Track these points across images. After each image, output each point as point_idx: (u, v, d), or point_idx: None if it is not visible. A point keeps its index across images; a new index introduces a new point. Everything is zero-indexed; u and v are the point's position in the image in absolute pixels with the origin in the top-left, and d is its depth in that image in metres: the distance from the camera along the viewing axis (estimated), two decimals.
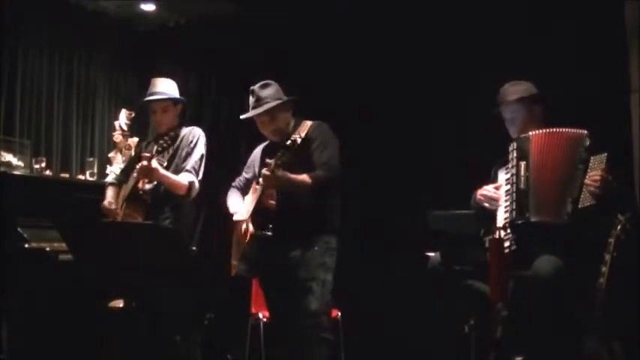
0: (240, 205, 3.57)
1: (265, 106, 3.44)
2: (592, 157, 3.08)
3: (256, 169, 3.61)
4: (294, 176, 3.25)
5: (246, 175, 3.72)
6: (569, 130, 3.19)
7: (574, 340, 3.05)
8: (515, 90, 3.37)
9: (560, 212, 3.08)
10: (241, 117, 3.54)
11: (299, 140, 3.16)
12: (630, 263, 3.17)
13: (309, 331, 3.26)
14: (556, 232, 3.08)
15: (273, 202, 3.32)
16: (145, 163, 3.57)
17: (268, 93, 3.47)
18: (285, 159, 3.15)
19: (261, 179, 3.28)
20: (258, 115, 3.47)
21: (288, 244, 3.36)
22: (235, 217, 3.50)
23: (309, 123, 3.46)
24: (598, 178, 3.01)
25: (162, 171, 3.67)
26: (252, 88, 3.52)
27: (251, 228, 3.32)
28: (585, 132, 3.15)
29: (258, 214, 3.34)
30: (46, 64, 5.24)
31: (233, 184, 3.76)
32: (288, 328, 3.43)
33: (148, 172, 3.62)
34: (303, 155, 3.29)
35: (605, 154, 3.06)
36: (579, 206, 3.04)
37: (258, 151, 3.71)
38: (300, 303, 3.31)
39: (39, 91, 5.19)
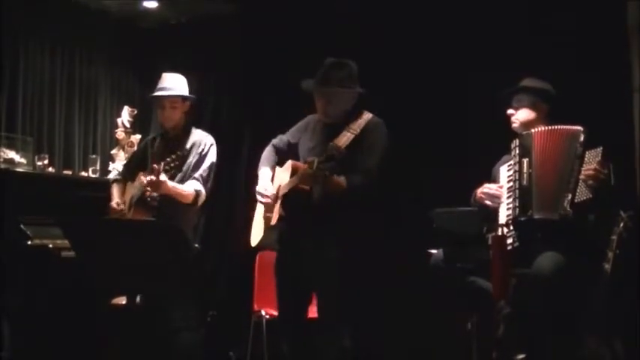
0: (269, 178, 3.49)
1: (325, 89, 3.35)
2: (587, 152, 3.10)
3: (305, 140, 3.50)
4: (332, 177, 3.14)
5: (290, 138, 3.58)
6: (567, 126, 3.21)
7: (576, 338, 3.05)
8: (528, 80, 3.40)
9: (560, 208, 3.09)
10: (302, 86, 3.44)
11: (343, 152, 3.10)
12: (632, 261, 3.18)
13: (328, 344, 3.24)
14: (557, 228, 3.08)
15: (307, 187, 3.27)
16: (153, 178, 3.57)
17: (338, 76, 3.36)
18: (328, 166, 3.05)
19: (300, 176, 3.21)
20: (317, 92, 3.40)
21: (313, 242, 3.27)
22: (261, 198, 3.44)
23: (367, 117, 3.39)
24: (592, 172, 3.02)
25: (170, 183, 3.67)
26: (328, 60, 3.41)
27: (281, 210, 3.32)
28: (580, 128, 3.17)
29: (290, 197, 3.31)
30: (47, 61, 5.24)
31: (273, 141, 3.63)
32: (297, 325, 3.40)
33: (157, 186, 3.63)
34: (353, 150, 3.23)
35: (600, 148, 3.06)
36: (575, 200, 3.05)
37: (311, 124, 3.54)
38: (318, 311, 3.31)
39: (41, 89, 5.19)
